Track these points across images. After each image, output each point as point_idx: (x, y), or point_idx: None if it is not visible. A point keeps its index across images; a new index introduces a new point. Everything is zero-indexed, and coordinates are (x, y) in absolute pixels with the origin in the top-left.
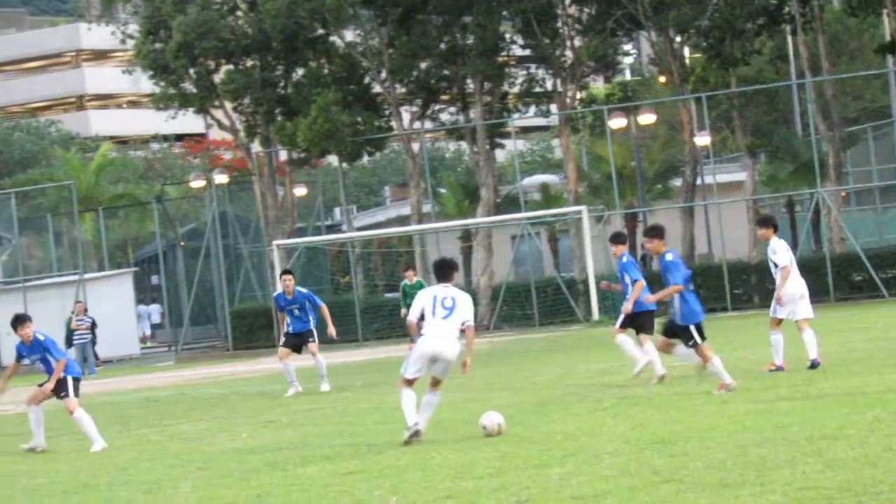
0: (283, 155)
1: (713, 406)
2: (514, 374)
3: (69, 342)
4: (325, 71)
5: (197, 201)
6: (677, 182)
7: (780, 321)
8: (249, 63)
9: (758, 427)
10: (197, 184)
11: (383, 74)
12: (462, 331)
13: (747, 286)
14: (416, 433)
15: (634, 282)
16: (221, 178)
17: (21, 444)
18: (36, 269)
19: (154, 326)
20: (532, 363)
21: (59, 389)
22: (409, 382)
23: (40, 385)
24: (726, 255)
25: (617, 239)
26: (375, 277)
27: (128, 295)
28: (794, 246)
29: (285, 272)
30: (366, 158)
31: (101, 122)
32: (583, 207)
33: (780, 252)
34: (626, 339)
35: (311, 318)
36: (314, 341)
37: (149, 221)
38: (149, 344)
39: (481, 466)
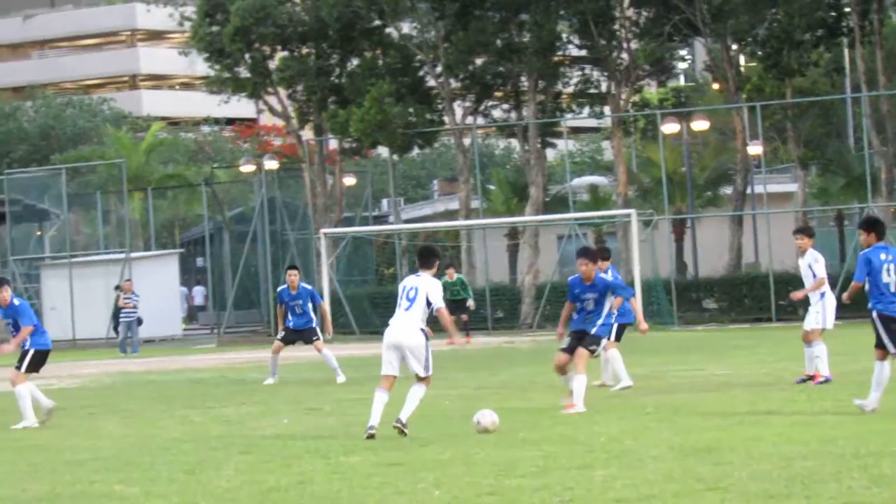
0: (333, 144)
1: (758, 416)
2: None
3: (116, 319)
4: (380, 62)
5: (246, 186)
6: (727, 190)
7: (822, 331)
8: (305, 51)
9: (803, 439)
10: (247, 168)
11: (438, 68)
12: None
13: None
14: (372, 436)
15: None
16: (271, 164)
17: (66, 418)
18: (83, 246)
19: (197, 308)
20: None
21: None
22: (386, 382)
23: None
24: (773, 266)
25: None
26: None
27: (173, 276)
28: (841, 259)
29: (291, 267)
30: (416, 151)
31: (153, 103)
32: (632, 211)
33: (822, 263)
34: (617, 355)
35: (312, 315)
36: (318, 339)
37: (196, 203)
38: (184, 326)
39: (524, 465)
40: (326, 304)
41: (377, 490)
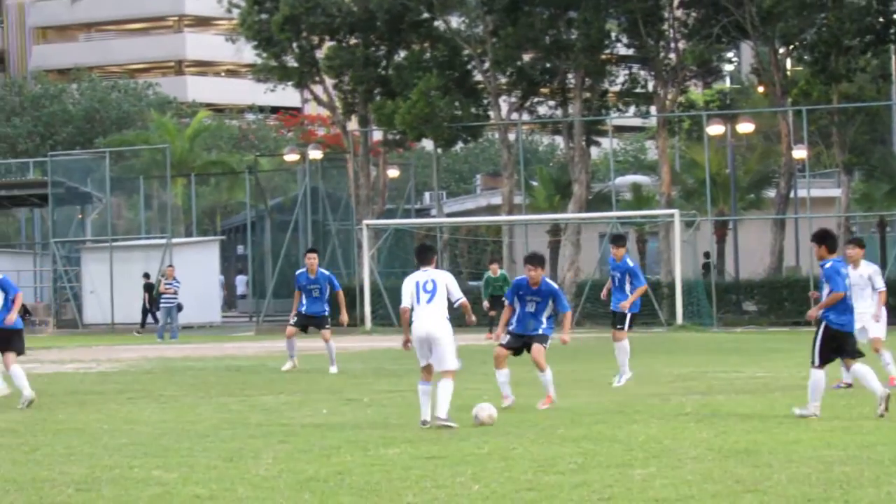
0: (377, 135)
1: (797, 419)
2: (598, 373)
3: (156, 305)
4: (428, 55)
5: (289, 175)
6: (770, 193)
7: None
8: (352, 41)
9: (842, 444)
10: (291, 157)
11: (485, 63)
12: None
13: None
14: (427, 425)
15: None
16: (315, 154)
17: (105, 403)
18: (124, 230)
19: (239, 297)
20: (615, 363)
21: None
22: (426, 373)
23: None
24: (814, 270)
25: (618, 241)
26: (461, 265)
27: (213, 262)
28: (882, 266)
29: (311, 250)
30: (460, 145)
31: (198, 89)
32: (675, 211)
33: (880, 274)
34: (626, 347)
35: (327, 303)
36: (329, 328)
37: (239, 191)
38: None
39: (563, 462)
40: (367, 297)
41: (416, 483)
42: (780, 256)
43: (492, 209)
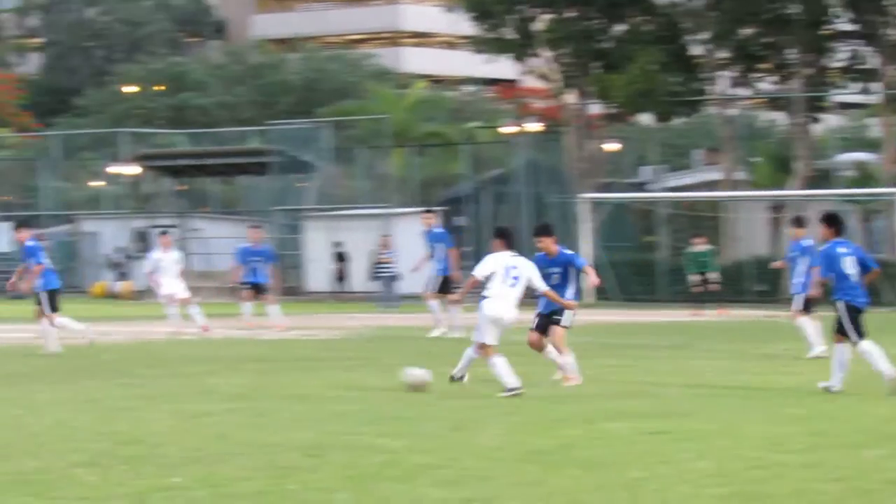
0: (595, 109)
1: None
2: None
3: (374, 274)
4: (646, 29)
5: (506, 147)
6: None
7: None
8: (570, 14)
9: None
10: (508, 130)
11: (704, 37)
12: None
13: None
14: (518, 394)
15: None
16: (533, 127)
17: (328, 370)
18: (343, 200)
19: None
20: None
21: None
22: (493, 349)
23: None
24: None
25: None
26: (679, 240)
27: None
28: None
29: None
30: (678, 120)
31: (416, 60)
32: None
33: None
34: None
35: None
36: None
37: (457, 162)
38: None
39: (792, 441)
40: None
41: (640, 458)
42: None
43: (710, 185)
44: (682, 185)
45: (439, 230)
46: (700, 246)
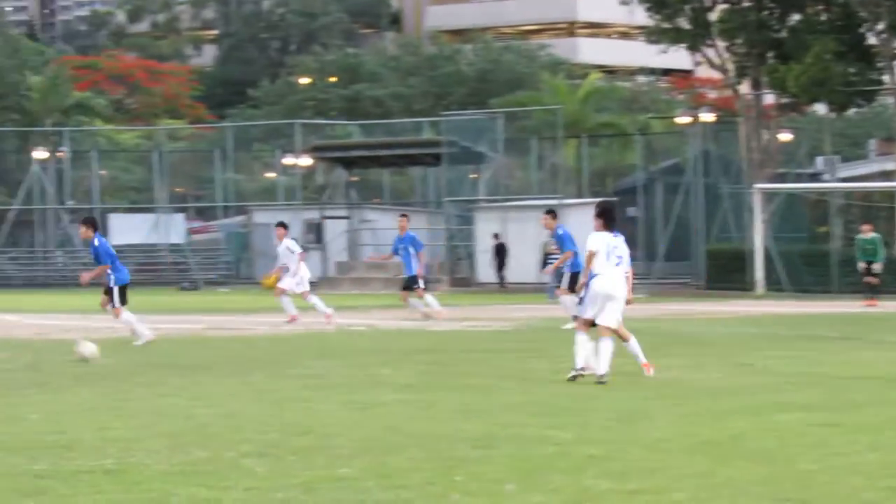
0: (769, 99)
1: None
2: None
3: (544, 264)
4: (822, 18)
5: (680, 137)
6: None
7: None
8: (746, 4)
9: None
10: (682, 120)
11: (880, 26)
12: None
13: None
14: (578, 376)
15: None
16: (707, 117)
17: (498, 360)
18: (515, 190)
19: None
20: None
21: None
22: (587, 325)
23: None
24: None
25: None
26: (852, 230)
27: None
28: None
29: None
30: (853, 110)
31: (590, 50)
32: None
33: None
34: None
35: None
36: None
37: (630, 153)
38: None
39: None
40: (759, 261)
41: (811, 450)
42: None
43: (886, 175)
44: (856, 175)
45: (562, 231)
46: (868, 233)
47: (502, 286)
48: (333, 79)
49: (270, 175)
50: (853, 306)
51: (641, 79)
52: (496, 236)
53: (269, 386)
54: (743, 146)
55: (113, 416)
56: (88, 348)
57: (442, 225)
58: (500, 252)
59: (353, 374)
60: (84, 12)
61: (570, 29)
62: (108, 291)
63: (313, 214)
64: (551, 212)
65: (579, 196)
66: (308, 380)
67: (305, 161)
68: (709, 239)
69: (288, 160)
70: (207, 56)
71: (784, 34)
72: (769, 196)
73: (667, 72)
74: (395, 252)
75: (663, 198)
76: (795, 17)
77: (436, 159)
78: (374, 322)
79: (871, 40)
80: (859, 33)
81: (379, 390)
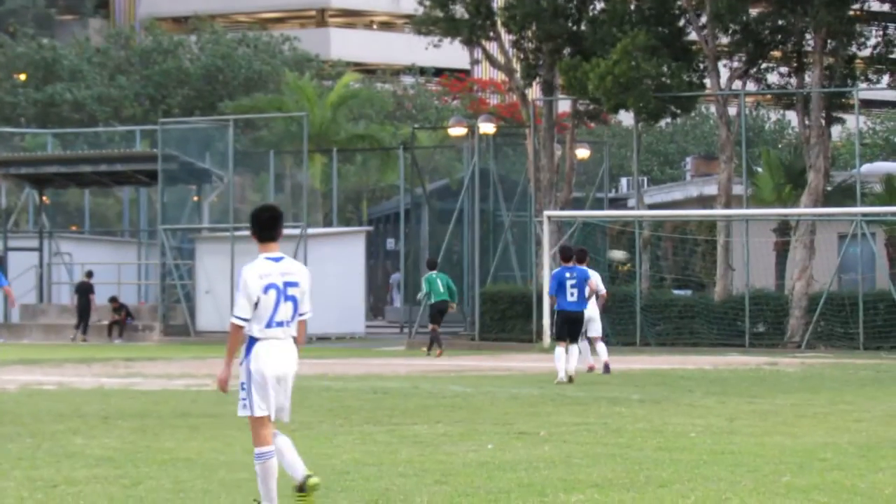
0: (565, 105)
1: None
2: (832, 407)
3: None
4: (632, 7)
5: (453, 153)
6: None
7: None
8: None
9: None
10: (456, 131)
11: (702, 18)
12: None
13: None
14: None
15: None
16: (487, 128)
17: (222, 427)
18: (248, 216)
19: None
20: (854, 395)
21: None
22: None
23: None
24: None
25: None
26: (664, 269)
27: (358, 259)
28: None
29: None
30: (664, 122)
31: (345, 44)
32: None
33: None
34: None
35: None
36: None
37: (391, 172)
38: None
39: None
40: (545, 301)
41: None
42: None
43: (704, 200)
44: (669, 200)
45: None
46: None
47: (74, 339)
48: (23, 76)
49: None
50: (663, 362)
51: (407, 80)
52: (89, 275)
53: None
54: (530, 164)
55: None
56: None
57: (155, 259)
58: (86, 292)
59: (37, 445)
60: None
61: (321, 17)
62: None
63: None
64: None
65: (328, 224)
66: None
67: None
68: (485, 278)
69: None
70: None
71: (584, 26)
72: (561, 225)
73: (438, 72)
74: None
75: (430, 227)
76: (599, 6)
77: (150, 178)
78: (66, 379)
79: (692, 35)
80: (676, 26)
81: (69, 463)
